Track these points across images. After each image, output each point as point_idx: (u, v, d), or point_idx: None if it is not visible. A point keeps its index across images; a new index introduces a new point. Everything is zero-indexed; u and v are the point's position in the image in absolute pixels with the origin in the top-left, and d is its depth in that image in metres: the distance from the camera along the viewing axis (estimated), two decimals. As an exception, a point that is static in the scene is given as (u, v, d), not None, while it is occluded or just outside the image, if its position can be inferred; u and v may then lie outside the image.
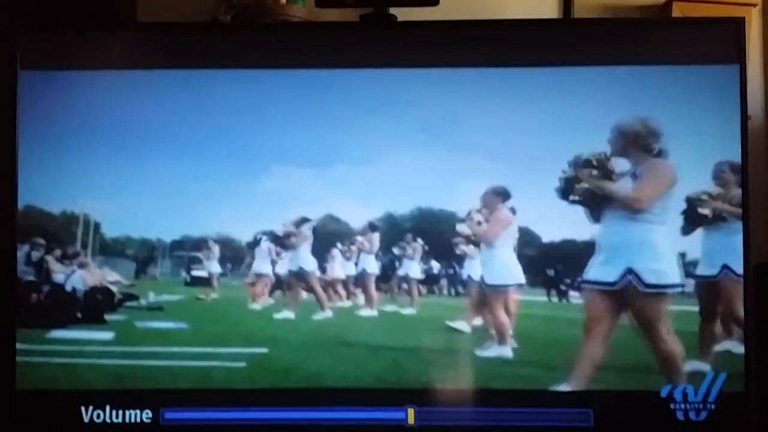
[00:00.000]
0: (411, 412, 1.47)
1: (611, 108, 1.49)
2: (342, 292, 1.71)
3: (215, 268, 1.67)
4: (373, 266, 1.64)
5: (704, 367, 1.45)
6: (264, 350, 1.54)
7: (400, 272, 1.68)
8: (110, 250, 1.60)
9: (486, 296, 1.59)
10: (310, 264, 1.67)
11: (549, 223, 1.54)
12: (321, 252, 1.66)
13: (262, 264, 1.72)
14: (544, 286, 1.65)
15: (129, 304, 1.64)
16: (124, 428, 1.48)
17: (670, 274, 1.44)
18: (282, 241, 1.66)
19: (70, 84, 1.54)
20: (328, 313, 1.69)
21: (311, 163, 1.54)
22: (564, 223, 1.53)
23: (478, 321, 1.61)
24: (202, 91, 1.54)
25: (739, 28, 1.49)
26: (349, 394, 1.48)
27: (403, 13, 1.60)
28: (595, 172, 1.45)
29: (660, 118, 1.47)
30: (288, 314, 1.68)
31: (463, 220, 1.55)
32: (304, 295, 1.70)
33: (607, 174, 1.46)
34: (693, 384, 1.43)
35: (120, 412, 1.48)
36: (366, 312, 1.66)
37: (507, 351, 1.54)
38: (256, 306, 1.72)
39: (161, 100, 1.55)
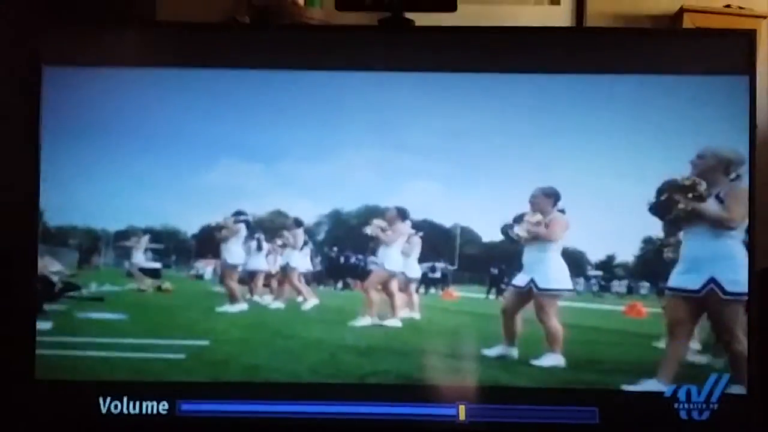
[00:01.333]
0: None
1: (619, 116, 1.52)
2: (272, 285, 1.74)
3: (153, 260, 1.68)
4: (296, 261, 1.67)
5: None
6: (204, 342, 1.55)
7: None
8: (53, 239, 1.58)
9: (539, 301, 1.60)
10: (235, 257, 1.69)
11: (490, 223, 1.58)
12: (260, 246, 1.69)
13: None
14: (486, 284, 1.69)
15: (70, 294, 1.62)
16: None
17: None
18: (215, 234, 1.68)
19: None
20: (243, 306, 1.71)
21: (259, 158, 1.56)
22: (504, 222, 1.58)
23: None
24: (155, 87, 1.56)
25: (751, 40, 1.52)
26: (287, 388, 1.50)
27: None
28: (689, 194, 1.49)
29: (666, 127, 1.51)
30: (228, 308, 1.68)
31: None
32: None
33: (700, 196, 1.49)
34: (697, 384, 1.46)
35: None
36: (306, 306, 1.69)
37: (560, 359, 1.54)
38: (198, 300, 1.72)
39: (118, 94, 1.55)
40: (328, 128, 1.55)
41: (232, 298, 1.69)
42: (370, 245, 1.64)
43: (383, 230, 1.61)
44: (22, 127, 1.54)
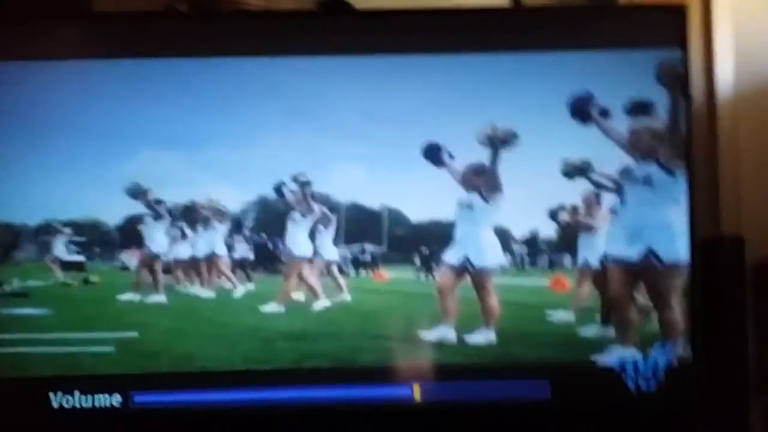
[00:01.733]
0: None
1: (553, 94, 1.52)
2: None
3: (76, 253, 1.64)
4: (222, 248, 1.67)
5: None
6: (133, 334, 1.53)
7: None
8: (-30, 236, 1.53)
9: (477, 278, 1.61)
10: (158, 246, 1.68)
11: (417, 204, 1.59)
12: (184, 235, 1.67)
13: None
14: (413, 264, 1.69)
15: (-8, 290, 1.58)
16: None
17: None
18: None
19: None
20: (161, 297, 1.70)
21: (182, 146, 1.53)
22: (432, 203, 1.59)
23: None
24: (77, 80, 1.52)
25: (682, 14, 1.55)
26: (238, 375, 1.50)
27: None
28: None
29: (603, 102, 1.51)
30: (159, 298, 1.67)
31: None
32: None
33: None
34: (643, 356, 1.50)
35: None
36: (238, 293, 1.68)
37: (492, 335, 1.57)
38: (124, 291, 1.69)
39: (35, 87, 1.51)
40: (253, 114, 1.53)
41: (156, 287, 1.67)
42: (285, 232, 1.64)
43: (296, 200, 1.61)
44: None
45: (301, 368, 1.50)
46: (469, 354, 1.54)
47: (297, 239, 1.67)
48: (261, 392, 1.49)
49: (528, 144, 1.55)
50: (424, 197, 1.58)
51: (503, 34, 1.56)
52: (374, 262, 1.69)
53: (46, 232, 1.59)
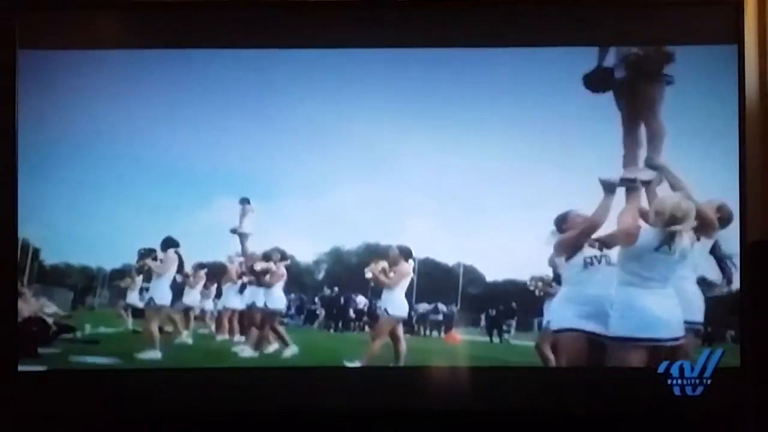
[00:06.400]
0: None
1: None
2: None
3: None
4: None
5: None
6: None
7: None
8: (48, 278, 1.54)
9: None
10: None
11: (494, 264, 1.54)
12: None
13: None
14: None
15: (64, 336, 1.58)
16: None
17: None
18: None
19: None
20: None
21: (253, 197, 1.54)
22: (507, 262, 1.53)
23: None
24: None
25: (738, 9, 1.51)
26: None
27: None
28: None
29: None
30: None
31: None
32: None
33: None
34: (690, 360, 1.44)
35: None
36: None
37: None
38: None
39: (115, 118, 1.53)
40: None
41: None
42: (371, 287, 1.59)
43: (385, 273, 1.57)
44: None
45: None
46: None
47: (393, 299, 1.62)
48: None
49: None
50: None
51: (558, 27, 1.53)
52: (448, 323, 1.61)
53: (120, 277, 1.60)
